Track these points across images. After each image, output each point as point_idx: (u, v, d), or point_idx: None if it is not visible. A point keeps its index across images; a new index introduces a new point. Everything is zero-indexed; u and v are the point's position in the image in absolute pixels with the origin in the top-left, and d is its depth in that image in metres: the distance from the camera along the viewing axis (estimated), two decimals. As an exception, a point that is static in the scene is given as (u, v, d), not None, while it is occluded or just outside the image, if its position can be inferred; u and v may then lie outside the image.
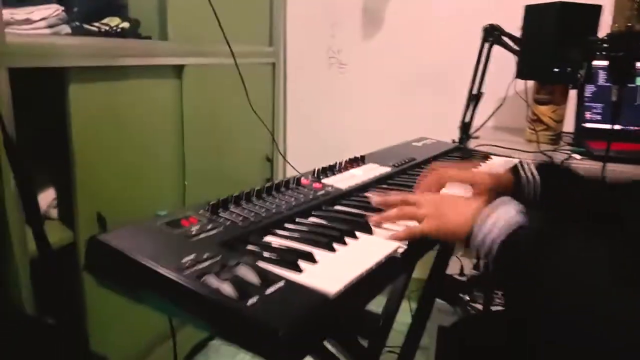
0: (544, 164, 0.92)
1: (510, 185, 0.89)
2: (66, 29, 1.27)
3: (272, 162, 2.30)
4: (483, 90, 1.68)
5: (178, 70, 1.61)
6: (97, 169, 1.34)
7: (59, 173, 1.32)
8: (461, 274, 1.89)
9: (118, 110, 1.39)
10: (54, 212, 1.39)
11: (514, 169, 0.91)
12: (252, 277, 0.56)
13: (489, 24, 1.54)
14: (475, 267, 1.89)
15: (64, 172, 1.30)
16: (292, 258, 0.61)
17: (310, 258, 0.61)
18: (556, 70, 1.39)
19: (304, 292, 0.56)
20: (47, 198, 1.38)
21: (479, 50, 1.60)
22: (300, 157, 2.46)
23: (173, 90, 1.60)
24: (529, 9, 1.50)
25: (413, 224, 0.75)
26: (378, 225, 0.75)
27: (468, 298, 1.77)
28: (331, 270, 0.61)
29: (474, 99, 1.68)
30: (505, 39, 1.50)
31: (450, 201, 0.78)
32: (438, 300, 1.84)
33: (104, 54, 1.28)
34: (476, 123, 1.76)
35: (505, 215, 0.67)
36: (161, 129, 1.59)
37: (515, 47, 1.48)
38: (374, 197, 0.83)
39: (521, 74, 1.58)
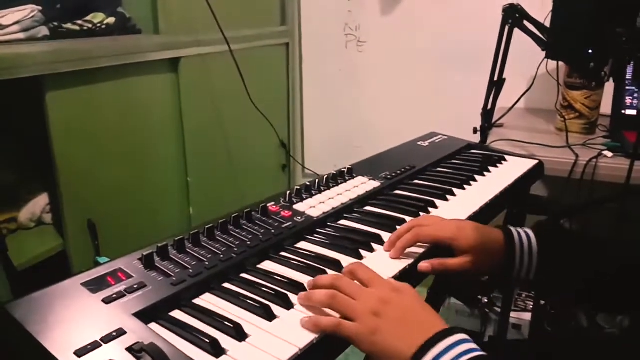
0: (542, 226, 0.78)
1: (501, 243, 0.76)
2: (43, 30, 1.20)
3: (288, 148, 2.21)
4: (507, 74, 1.51)
5: (173, 63, 1.52)
6: (85, 176, 1.30)
7: (48, 179, 1.29)
8: (483, 270, 1.76)
9: (106, 113, 1.33)
10: (47, 218, 1.37)
11: (505, 228, 0.78)
12: (154, 368, 0.49)
13: (509, 4, 1.36)
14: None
15: (52, 179, 1.26)
16: (204, 344, 0.53)
17: (217, 348, 0.53)
18: (589, 55, 1.21)
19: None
20: (40, 203, 1.36)
21: (499, 32, 1.42)
22: (318, 141, 2.36)
23: (169, 85, 1.53)
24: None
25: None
26: (304, 304, 0.62)
27: (486, 300, 1.66)
28: (252, 357, 0.53)
29: (495, 85, 1.51)
30: (527, 23, 1.32)
31: (398, 313, 0.59)
32: (456, 302, 1.74)
33: (84, 57, 1.21)
34: (505, 104, 1.60)
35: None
36: (158, 127, 1.52)
37: (536, 32, 1.30)
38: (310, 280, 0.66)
39: (549, 53, 1.38)
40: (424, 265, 0.73)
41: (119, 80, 1.34)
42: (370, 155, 1.18)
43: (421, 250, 0.76)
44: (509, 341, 1.57)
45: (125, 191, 1.43)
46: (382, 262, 0.72)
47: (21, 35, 1.16)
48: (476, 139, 1.58)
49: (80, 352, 0.50)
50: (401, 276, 0.71)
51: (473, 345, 0.55)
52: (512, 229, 0.77)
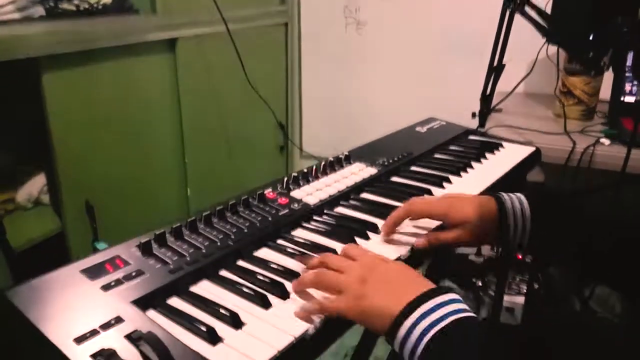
0: (536, 195, 0.77)
1: (494, 211, 0.76)
2: (39, 10, 1.18)
3: (286, 129, 2.20)
4: (507, 59, 1.50)
5: (170, 44, 1.51)
6: (82, 157, 1.30)
7: (46, 160, 1.29)
8: (478, 253, 1.78)
9: (103, 94, 1.33)
10: (45, 198, 1.37)
11: (497, 196, 0.78)
12: (153, 356, 0.50)
13: (510, -12, 1.34)
14: (494, 249, 1.78)
15: (49, 161, 1.26)
16: (201, 332, 0.54)
17: (213, 336, 0.54)
18: (589, 44, 1.20)
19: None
20: (37, 184, 1.36)
21: (499, 17, 1.41)
22: (316, 122, 2.35)
23: (166, 66, 1.51)
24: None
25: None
26: (297, 291, 0.63)
27: (480, 284, 1.68)
28: (248, 345, 0.54)
29: (494, 70, 1.50)
30: (528, 8, 1.31)
31: (384, 276, 0.59)
32: (450, 284, 1.76)
33: (80, 38, 1.20)
34: (504, 88, 1.59)
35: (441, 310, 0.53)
36: (155, 108, 1.52)
37: (537, 18, 1.28)
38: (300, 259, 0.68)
39: (550, 37, 1.36)
40: (420, 241, 0.74)
41: (116, 61, 1.33)
42: (368, 136, 1.18)
43: (415, 239, 0.76)
44: (502, 325, 1.60)
45: (123, 172, 1.43)
46: (377, 250, 0.73)
47: (16, 15, 1.14)
48: (475, 123, 1.58)
49: (79, 340, 0.51)
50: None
51: (463, 305, 0.54)
52: (504, 195, 0.77)
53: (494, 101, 1.58)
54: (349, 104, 2.26)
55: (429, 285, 0.57)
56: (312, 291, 0.62)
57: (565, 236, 0.75)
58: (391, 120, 2.20)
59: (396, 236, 0.77)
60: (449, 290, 0.56)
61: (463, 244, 0.76)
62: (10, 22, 1.13)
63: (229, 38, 1.65)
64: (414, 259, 0.74)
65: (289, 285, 0.64)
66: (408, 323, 0.53)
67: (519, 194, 0.77)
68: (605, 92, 1.58)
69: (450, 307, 0.53)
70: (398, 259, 0.72)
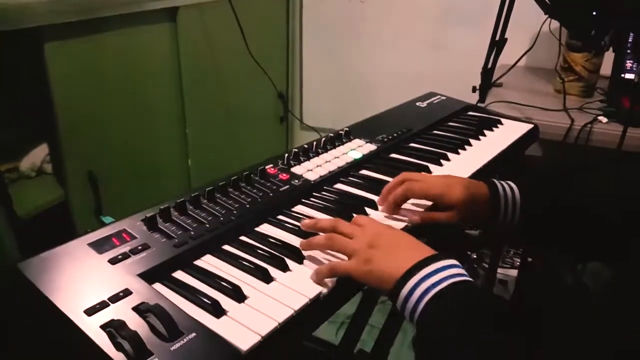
0: (527, 183, 0.79)
1: (486, 196, 0.78)
2: (39, -21, 1.18)
3: (286, 100, 2.20)
4: (509, 32, 1.49)
5: (172, 12, 1.50)
6: (84, 128, 1.31)
7: (48, 130, 1.30)
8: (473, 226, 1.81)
9: (105, 64, 1.33)
10: (48, 168, 1.39)
11: (490, 182, 0.80)
12: (160, 327, 0.53)
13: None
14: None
15: (51, 131, 1.27)
16: (206, 305, 0.56)
17: (218, 309, 0.57)
18: (590, 22, 1.20)
19: (214, 346, 0.52)
20: (40, 154, 1.37)
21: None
22: (317, 93, 2.35)
23: (167, 35, 1.51)
24: None
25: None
26: (306, 249, 0.67)
27: (475, 256, 1.72)
28: (250, 317, 0.56)
29: (495, 45, 1.50)
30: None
31: (390, 242, 0.64)
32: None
33: (82, 8, 1.19)
34: (507, 61, 1.59)
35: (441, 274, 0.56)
36: (156, 78, 1.52)
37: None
38: (305, 220, 0.72)
39: (552, 13, 1.35)
40: (413, 217, 0.77)
41: (118, 30, 1.33)
42: (369, 108, 1.19)
43: (415, 217, 0.79)
44: (495, 296, 1.64)
45: (125, 143, 1.44)
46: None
47: (17, -16, 1.14)
48: (476, 97, 1.59)
49: (89, 312, 0.54)
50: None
51: (461, 270, 0.58)
52: (497, 182, 0.80)
53: (496, 74, 1.58)
54: (350, 75, 2.26)
55: (431, 251, 0.61)
56: (317, 256, 0.67)
57: (553, 226, 0.78)
58: (392, 92, 2.19)
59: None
60: (448, 256, 0.59)
61: (453, 226, 0.78)
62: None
63: (229, 7, 1.64)
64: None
65: (289, 261, 0.66)
66: (409, 285, 0.57)
67: (510, 182, 0.79)
68: (607, 68, 1.58)
69: (449, 271, 0.57)
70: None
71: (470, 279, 0.57)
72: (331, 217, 0.72)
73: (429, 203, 0.81)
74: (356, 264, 0.62)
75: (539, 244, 0.96)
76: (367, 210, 0.80)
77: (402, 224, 0.77)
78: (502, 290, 1.67)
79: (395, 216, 0.79)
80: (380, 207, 0.80)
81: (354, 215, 0.78)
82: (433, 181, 0.80)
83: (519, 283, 1.65)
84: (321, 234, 0.68)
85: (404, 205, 0.80)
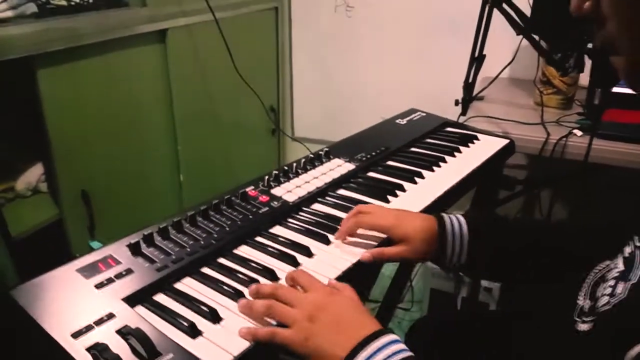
0: (475, 218, 0.83)
1: (435, 231, 0.80)
2: (31, 7, 1.22)
3: (277, 114, 2.25)
4: (491, 45, 1.54)
5: (161, 35, 1.55)
6: (78, 148, 1.36)
7: (43, 151, 1.35)
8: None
9: (97, 87, 1.38)
10: (43, 187, 1.43)
11: (439, 216, 0.82)
12: (140, 349, 0.57)
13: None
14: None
15: (46, 151, 1.32)
16: (183, 327, 0.61)
17: (194, 330, 0.61)
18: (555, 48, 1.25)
19: (189, 366, 0.57)
20: (35, 173, 1.42)
21: (480, 11, 1.45)
22: (307, 106, 2.40)
23: (157, 56, 1.56)
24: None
25: None
26: (247, 315, 0.65)
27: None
28: (224, 338, 0.61)
29: (475, 61, 1.55)
30: (505, 6, 1.35)
31: (331, 317, 0.62)
32: (432, 265, 1.84)
33: (73, 35, 1.25)
34: (489, 73, 1.64)
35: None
36: (148, 98, 1.57)
37: (515, 17, 1.33)
38: (251, 286, 0.69)
39: (522, 30, 1.39)
40: (365, 255, 0.78)
41: (109, 54, 1.38)
42: (359, 119, 1.24)
43: (374, 243, 0.82)
44: (479, 303, 1.69)
45: (118, 161, 1.49)
46: (333, 255, 0.79)
47: (9, 13, 1.18)
48: (458, 110, 1.64)
49: (76, 335, 0.59)
50: (354, 267, 0.77)
51: (402, 346, 0.58)
52: (445, 216, 0.82)
53: (479, 86, 1.64)
54: (340, 87, 2.31)
55: (375, 326, 0.61)
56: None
57: (499, 258, 0.82)
58: (381, 102, 2.25)
59: (352, 239, 0.82)
60: (389, 331, 0.60)
61: (406, 260, 0.81)
62: (3, 21, 1.18)
63: (216, 27, 1.69)
64: (361, 269, 0.78)
65: (263, 282, 0.71)
66: None
67: (459, 216, 0.82)
68: (586, 79, 1.63)
69: (392, 348, 0.58)
70: (348, 269, 0.77)
71: (412, 354, 0.58)
72: (272, 283, 0.70)
73: (384, 235, 0.83)
74: (297, 337, 0.61)
75: (485, 279, 1.00)
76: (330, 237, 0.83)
77: (355, 259, 0.78)
78: (487, 298, 1.72)
79: (348, 250, 0.80)
80: (333, 238, 0.82)
81: (328, 236, 0.82)
82: (383, 213, 0.84)
83: (503, 291, 1.69)
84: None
85: (359, 239, 0.82)
